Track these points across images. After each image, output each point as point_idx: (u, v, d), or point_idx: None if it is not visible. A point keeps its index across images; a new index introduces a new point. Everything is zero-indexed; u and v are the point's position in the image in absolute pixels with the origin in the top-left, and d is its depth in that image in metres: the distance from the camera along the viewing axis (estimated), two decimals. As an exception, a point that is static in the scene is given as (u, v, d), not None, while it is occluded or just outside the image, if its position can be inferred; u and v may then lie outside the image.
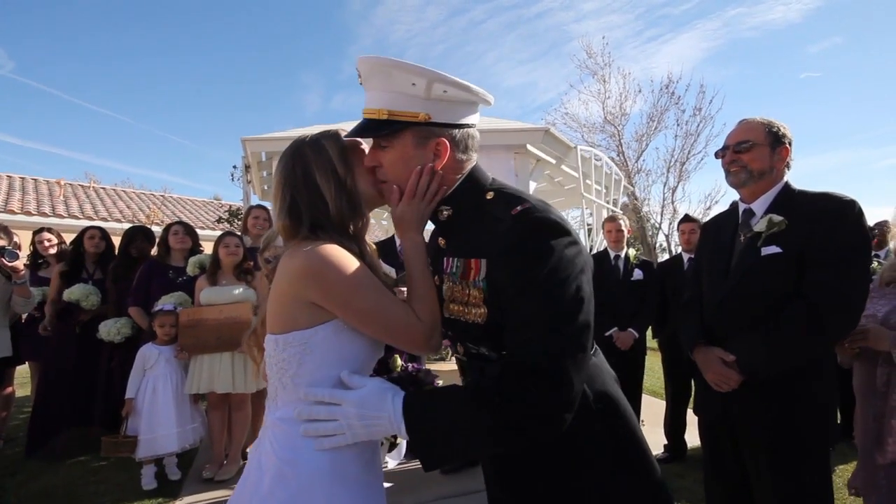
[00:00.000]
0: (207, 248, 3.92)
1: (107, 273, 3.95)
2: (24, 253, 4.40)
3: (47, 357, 3.92)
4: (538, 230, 0.92)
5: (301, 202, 1.04)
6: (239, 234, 3.71)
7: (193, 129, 71.46)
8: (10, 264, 3.42)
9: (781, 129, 1.72)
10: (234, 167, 11.19)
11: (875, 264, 3.11)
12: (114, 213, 13.40)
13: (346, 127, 1.12)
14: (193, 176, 69.27)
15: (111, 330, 3.60)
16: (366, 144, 1.13)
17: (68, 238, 4.36)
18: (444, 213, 1.08)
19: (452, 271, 1.03)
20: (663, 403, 3.91)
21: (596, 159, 5.32)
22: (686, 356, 1.89)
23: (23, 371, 4.62)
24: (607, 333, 3.58)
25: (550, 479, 1.01)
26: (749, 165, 1.71)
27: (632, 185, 15.79)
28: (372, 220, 1.28)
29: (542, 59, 40.09)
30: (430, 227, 1.17)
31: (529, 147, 4.18)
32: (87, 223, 5.89)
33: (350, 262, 0.98)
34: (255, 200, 5.61)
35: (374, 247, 1.18)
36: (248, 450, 2.36)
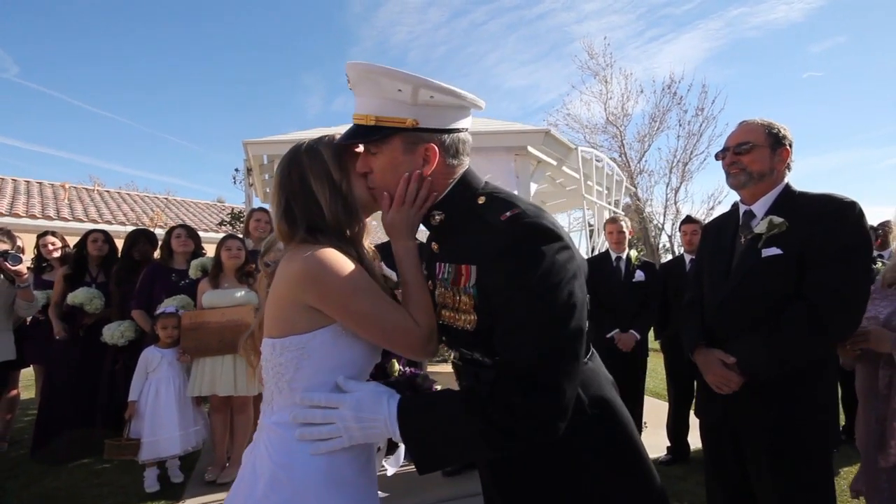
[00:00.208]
0: (211, 250, 3.93)
1: (110, 276, 3.97)
2: (29, 256, 4.43)
3: (51, 360, 3.94)
4: (529, 236, 0.91)
5: (296, 206, 1.05)
6: (241, 236, 3.72)
7: (196, 131, 71.81)
8: (13, 268, 3.44)
9: (782, 130, 1.72)
10: (236, 170, 11.27)
11: (878, 265, 3.09)
12: (118, 216, 13.48)
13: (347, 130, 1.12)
14: (196, 178, 69.67)
15: (115, 333, 3.63)
16: (362, 149, 1.13)
17: (73, 241, 4.39)
18: (437, 217, 1.08)
19: (444, 277, 1.02)
20: (666, 405, 3.89)
21: (597, 160, 5.31)
22: (687, 358, 1.88)
23: (27, 374, 4.65)
24: (609, 335, 3.57)
25: (546, 483, 1.01)
26: (749, 167, 1.71)
27: (634, 186, 15.76)
28: (374, 223, 1.28)
29: (544, 61, 40.07)
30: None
31: (530, 149, 4.18)
32: (91, 226, 5.93)
33: (348, 267, 0.98)
34: (256, 203, 5.62)
35: (373, 250, 1.19)
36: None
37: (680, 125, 15.76)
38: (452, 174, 1.06)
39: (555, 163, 4.60)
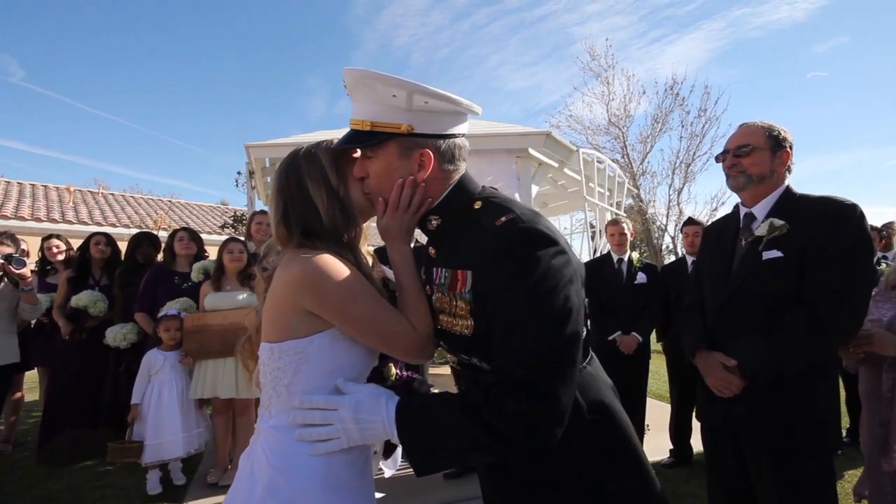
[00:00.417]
0: (214, 253, 3.95)
1: (113, 279, 4.00)
2: (33, 259, 4.46)
3: (55, 362, 3.96)
4: (524, 241, 0.91)
5: (294, 210, 1.05)
6: (243, 239, 3.73)
7: (200, 134, 72.36)
8: (17, 271, 3.47)
9: (782, 132, 1.71)
10: (239, 173, 11.30)
11: (883, 266, 3.08)
12: (122, 218, 13.54)
13: None
14: (200, 181, 70.10)
15: (118, 335, 3.65)
16: (359, 154, 1.13)
17: (77, 244, 4.42)
18: (433, 223, 1.08)
19: (441, 282, 1.02)
20: (669, 408, 3.88)
21: (598, 162, 5.30)
22: (688, 361, 1.88)
23: (32, 376, 4.68)
24: (611, 337, 3.55)
25: (545, 488, 1.01)
26: (749, 170, 1.70)
27: (637, 188, 15.71)
28: (373, 226, 1.28)
29: (546, 62, 40.16)
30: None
31: (531, 151, 4.18)
32: (96, 229, 5.95)
33: (345, 272, 0.99)
34: (259, 206, 5.63)
35: (371, 253, 1.19)
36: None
37: (682, 126, 15.68)
38: (448, 179, 1.06)
39: (556, 165, 4.59)
